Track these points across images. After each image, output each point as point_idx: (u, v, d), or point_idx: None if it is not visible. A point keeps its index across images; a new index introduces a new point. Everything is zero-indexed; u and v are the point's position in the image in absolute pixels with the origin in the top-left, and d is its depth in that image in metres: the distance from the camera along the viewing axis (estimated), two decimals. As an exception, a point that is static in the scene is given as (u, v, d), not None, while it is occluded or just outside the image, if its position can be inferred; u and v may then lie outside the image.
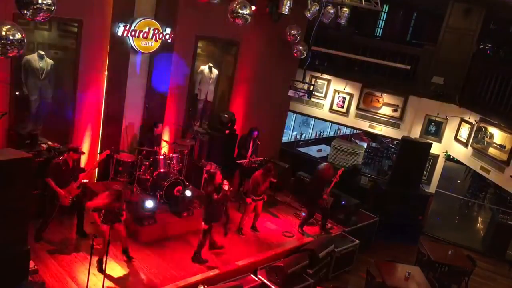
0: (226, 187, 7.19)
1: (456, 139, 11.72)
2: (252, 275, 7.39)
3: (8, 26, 4.31)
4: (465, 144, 11.36)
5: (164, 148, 9.34)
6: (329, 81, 12.99)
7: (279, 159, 11.80)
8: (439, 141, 11.91)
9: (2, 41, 4.31)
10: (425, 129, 12.03)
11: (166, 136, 9.78)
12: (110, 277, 6.47)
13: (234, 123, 10.81)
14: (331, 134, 17.12)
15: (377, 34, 16.90)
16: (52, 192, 6.99)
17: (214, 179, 7.24)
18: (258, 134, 10.04)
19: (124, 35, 8.43)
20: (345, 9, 10.13)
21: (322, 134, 16.83)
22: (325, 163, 9.66)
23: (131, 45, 8.65)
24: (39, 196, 7.42)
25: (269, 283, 7.31)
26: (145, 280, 6.70)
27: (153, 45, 8.88)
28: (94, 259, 6.15)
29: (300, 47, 10.59)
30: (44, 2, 4.48)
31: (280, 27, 10.04)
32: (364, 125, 12.91)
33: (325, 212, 9.13)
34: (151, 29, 8.69)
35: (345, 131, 16.92)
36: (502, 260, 11.05)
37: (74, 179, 7.07)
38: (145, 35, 8.65)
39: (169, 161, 8.73)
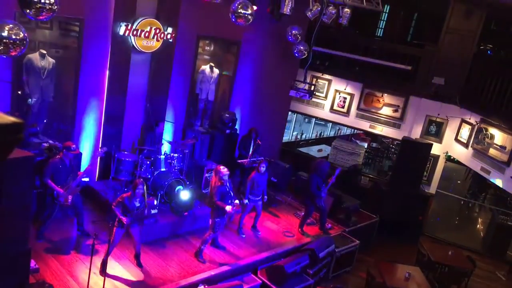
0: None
1: (456, 139, 11.72)
2: (252, 275, 7.43)
3: (11, 26, 4.30)
4: (466, 145, 11.36)
5: (165, 147, 9.34)
6: (330, 81, 13.00)
7: (280, 159, 11.81)
8: (440, 141, 11.92)
9: (5, 41, 4.30)
10: (425, 129, 12.04)
11: (167, 135, 9.79)
12: (110, 276, 6.47)
13: (235, 123, 10.83)
14: (332, 134, 17.12)
15: (378, 35, 16.89)
16: (52, 192, 6.97)
17: (218, 175, 7.39)
18: (259, 134, 10.04)
19: (126, 34, 8.43)
20: (347, 10, 10.13)
21: (322, 134, 16.84)
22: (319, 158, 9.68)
23: (133, 45, 8.66)
24: (39, 195, 7.44)
25: (269, 283, 7.33)
26: (146, 280, 6.71)
27: (155, 44, 8.88)
28: (95, 258, 6.14)
29: (301, 47, 10.58)
30: (47, 1, 4.47)
31: (281, 27, 10.04)
32: (365, 125, 12.92)
33: (322, 211, 9.10)
34: (153, 28, 8.69)
35: (345, 131, 16.92)
36: (502, 261, 11.07)
37: (73, 177, 7.05)
38: (147, 34, 8.65)
39: (170, 160, 8.75)
